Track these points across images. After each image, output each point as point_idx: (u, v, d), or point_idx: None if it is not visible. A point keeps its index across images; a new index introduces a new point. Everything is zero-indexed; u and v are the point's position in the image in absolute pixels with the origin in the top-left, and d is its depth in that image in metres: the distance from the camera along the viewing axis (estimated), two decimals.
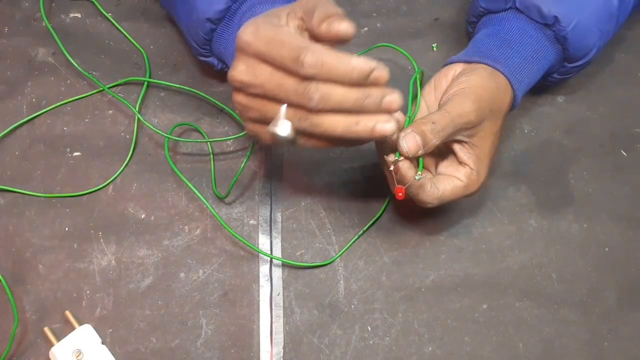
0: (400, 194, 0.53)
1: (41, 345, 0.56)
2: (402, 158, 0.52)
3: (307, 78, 0.46)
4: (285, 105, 0.48)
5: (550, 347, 0.57)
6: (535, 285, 0.60)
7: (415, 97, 0.59)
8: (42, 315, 0.57)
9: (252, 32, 0.48)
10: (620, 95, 0.70)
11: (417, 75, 0.60)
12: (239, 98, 0.51)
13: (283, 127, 0.48)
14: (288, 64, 0.46)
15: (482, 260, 0.61)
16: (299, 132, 0.49)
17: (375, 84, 0.47)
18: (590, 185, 0.65)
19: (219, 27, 0.60)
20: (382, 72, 0.47)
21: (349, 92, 0.47)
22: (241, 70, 0.49)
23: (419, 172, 0.53)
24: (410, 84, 0.59)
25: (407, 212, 0.62)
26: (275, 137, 0.49)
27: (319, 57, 0.46)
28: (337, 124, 0.48)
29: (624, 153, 0.67)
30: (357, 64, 0.46)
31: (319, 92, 0.46)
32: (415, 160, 0.54)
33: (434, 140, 0.52)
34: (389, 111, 0.48)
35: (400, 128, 0.52)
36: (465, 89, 0.55)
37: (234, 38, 0.58)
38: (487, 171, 0.57)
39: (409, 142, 0.51)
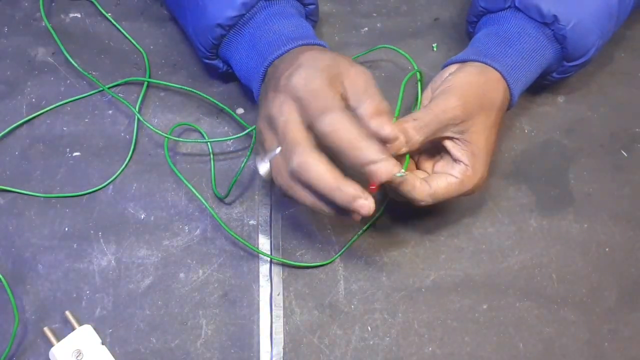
0: (373, 187, 0.51)
1: (41, 345, 0.56)
2: None
3: (319, 136, 0.49)
4: (280, 148, 0.50)
5: (551, 347, 0.57)
6: (536, 285, 0.60)
7: (413, 97, 0.59)
8: (41, 315, 0.57)
9: (304, 79, 0.50)
10: (621, 95, 0.70)
11: (418, 76, 0.60)
12: (261, 125, 0.53)
13: (262, 166, 0.52)
14: (310, 122, 0.49)
15: (482, 261, 0.61)
16: None
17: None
18: (591, 185, 0.65)
19: (229, 33, 0.60)
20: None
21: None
22: (275, 105, 0.51)
23: (402, 170, 0.52)
24: (402, 84, 0.59)
25: (407, 212, 0.62)
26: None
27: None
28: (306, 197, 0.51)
29: (624, 153, 0.67)
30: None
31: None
32: (403, 157, 0.54)
33: (417, 137, 0.53)
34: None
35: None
36: (450, 86, 0.56)
37: (247, 46, 0.59)
38: (486, 167, 0.56)
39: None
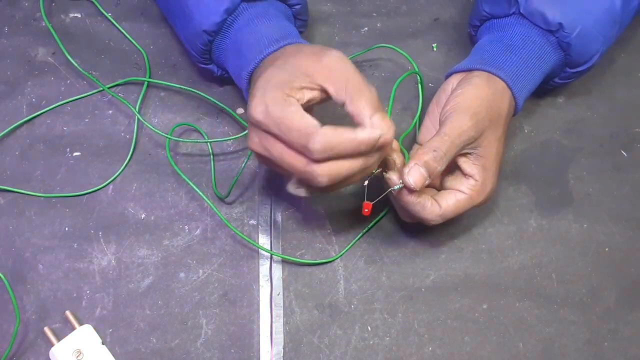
0: (367, 210, 0.54)
1: (41, 345, 0.56)
2: (402, 184, 0.53)
3: (316, 160, 0.48)
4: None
5: (550, 347, 0.57)
6: (535, 285, 0.60)
7: (408, 98, 0.59)
8: (42, 315, 0.57)
9: (262, 112, 0.49)
10: (621, 95, 0.70)
11: (418, 78, 0.60)
12: (257, 153, 0.52)
13: (299, 191, 0.53)
14: (298, 148, 0.48)
15: (482, 260, 0.61)
16: None
17: (382, 147, 0.49)
18: (590, 186, 0.65)
19: (216, 38, 0.60)
20: (387, 136, 0.48)
21: (354, 163, 0.49)
22: (255, 142, 0.51)
23: (399, 182, 0.53)
24: (395, 85, 0.59)
25: None
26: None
27: (326, 143, 0.47)
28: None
29: (624, 153, 0.67)
30: (364, 138, 0.48)
31: (325, 176, 0.48)
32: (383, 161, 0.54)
33: (439, 168, 0.53)
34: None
35: (396, 150, 0.54)
36: (460, 103, 0.55)
37: (232, 49, 0.59)
38: (496, 179, 0.56)
39: (415, 176, 0.52)
